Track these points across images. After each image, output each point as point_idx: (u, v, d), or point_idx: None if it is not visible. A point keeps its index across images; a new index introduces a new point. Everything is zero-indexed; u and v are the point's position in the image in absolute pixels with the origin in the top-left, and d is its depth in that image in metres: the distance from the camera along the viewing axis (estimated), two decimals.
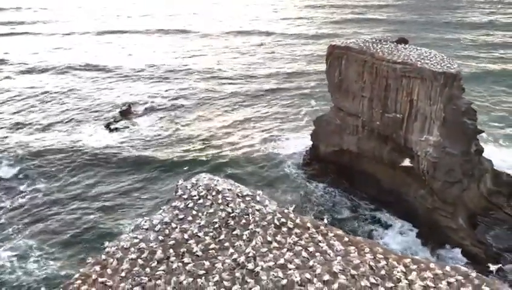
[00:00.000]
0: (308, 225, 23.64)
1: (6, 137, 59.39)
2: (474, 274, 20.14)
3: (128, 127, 63.82)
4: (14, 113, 66.83)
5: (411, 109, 44.07)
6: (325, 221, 24.49)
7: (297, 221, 23.93)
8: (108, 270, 20.18)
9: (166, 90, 76.66)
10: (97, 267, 20.42)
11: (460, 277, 19.76)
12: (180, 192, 26.95)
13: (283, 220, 23.83)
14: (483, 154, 44.85)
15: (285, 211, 25.03)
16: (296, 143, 60.12)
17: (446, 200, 41.58)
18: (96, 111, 68.84)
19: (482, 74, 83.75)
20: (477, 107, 44.97)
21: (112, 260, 20.94)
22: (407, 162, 44.44)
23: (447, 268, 20.52)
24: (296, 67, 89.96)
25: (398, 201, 46.64)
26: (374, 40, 50.14)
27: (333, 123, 51.89)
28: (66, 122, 64.85)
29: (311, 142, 55.66)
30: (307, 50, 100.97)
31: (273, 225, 23.40)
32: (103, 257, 21.18)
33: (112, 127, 63.62)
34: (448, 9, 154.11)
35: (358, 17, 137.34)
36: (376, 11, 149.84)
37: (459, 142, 41.05)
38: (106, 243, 22.38)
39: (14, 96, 72.33)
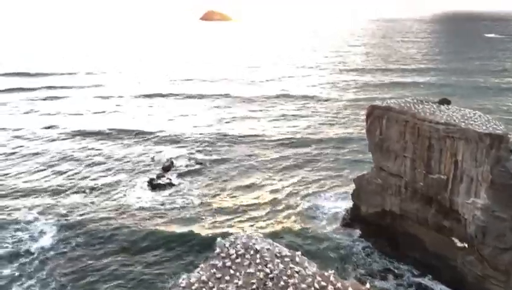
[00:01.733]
0: (350, 289, 22.76)
1: (49, 201, 60.81)
2: None
3: (170, 184, 64.93)
4: (58, 176, 68.78)
5: (456, 171, 42.80)
6: (368, 286, 23.54)
7: (339, 285, 23.11)
8: None
9: (209, 152, 78.09)
10: None
11: None
12: (218, 250, 26.83)
13: (323, 283, 23.09)
14: None
15: (326, 273, 24.28)
16: (337, 203, 59.27)
17: (498, 268, 39.12)
18: (138, 171, 70.50)
19: None
20: None
21: None
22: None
23: None
24: (336, 129, 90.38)
25: (444, 266, 44.31)
26: (415, 100, 49.93)
27: (374, 183, 50.98)
28: (110, 183, 66.31)
29: (352, 202, 54.64)
30: (347, 113, 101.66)
31: (313, 289, 22.69)
32: None
33: (155, 183, 64.96)
34: (496, 72, 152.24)
35: (398, 80, 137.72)
36: (417, 74, 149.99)
37: (509, 206, 39.12)
38: None
39: (58, 160, 74.76)
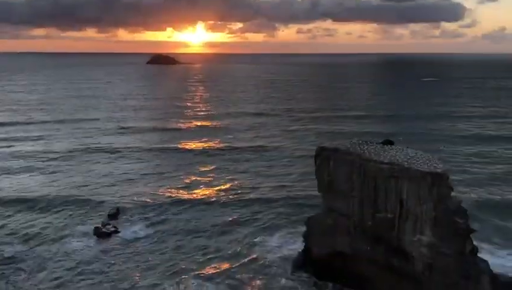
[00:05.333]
0: None
1: None
2: None
3: (116, 232, 62.25)
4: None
5: (401, 209, 43.98)
6: None
7: None
8: None
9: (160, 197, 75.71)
10: None
11: None
12: None
13: None
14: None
15: None
16: (287, 245, 58.58)
17: None
18: (83, 218, 67.75)
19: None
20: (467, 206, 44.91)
21: None
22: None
23: None
24: (287, 169, 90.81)
25: None
26: (360, 141, 51.55)
27: (325, 224, 51.18)
28: (52, 229, 63.40)
29: (303, 244, 54.32)
30: (296, 156, 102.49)
31: None
32: None
33: (100, 231, 62.15)
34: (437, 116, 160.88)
35: (342, 128, 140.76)
36: (361, 120, 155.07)
37: (452, 242, 40.40)
38: None
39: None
